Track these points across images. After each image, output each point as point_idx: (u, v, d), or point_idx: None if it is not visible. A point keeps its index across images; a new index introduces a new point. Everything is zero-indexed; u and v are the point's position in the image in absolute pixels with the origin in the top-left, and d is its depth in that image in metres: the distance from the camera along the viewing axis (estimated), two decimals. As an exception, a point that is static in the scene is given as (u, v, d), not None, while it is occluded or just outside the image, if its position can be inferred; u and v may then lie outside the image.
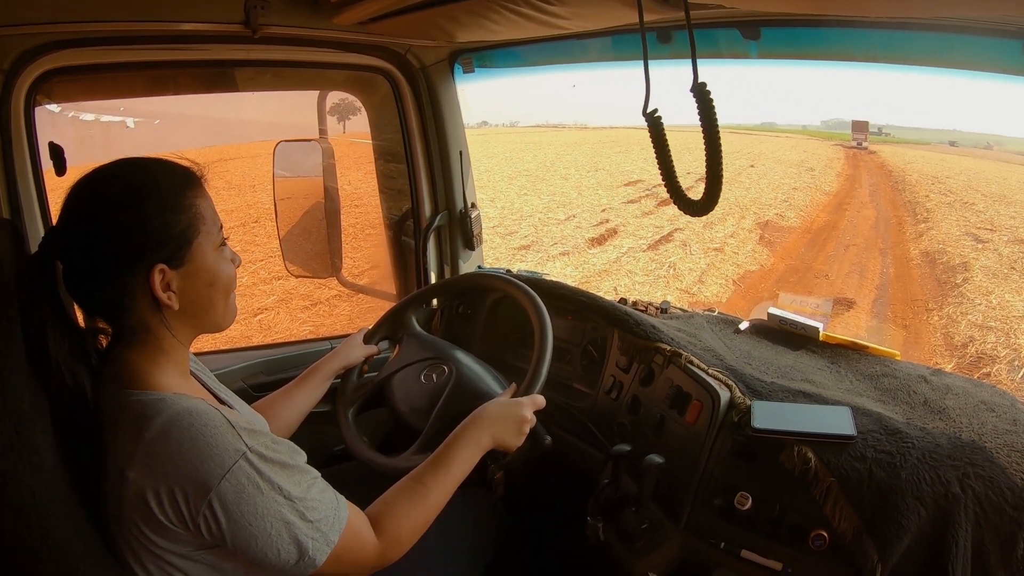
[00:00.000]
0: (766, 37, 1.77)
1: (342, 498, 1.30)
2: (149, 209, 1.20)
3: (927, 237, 14.17)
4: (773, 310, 2.03)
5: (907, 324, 9.61)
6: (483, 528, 1.84)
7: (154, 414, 1.16)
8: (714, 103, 1.24)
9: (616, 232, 14.58)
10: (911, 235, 14.60)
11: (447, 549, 1.66)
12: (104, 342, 1.30)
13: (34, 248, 1.26)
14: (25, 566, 1.06)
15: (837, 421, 1.48)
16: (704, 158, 1.25)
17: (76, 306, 1.28)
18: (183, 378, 1.31)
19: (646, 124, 1.31)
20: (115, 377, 1.23)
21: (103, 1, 1.73)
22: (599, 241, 13.86)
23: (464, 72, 2.49)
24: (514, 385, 1.70)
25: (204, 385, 1.43)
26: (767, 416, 1.54)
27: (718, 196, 1.30)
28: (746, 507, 1.47)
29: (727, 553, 1.49)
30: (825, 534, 1.37)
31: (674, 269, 11.91)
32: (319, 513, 1.23)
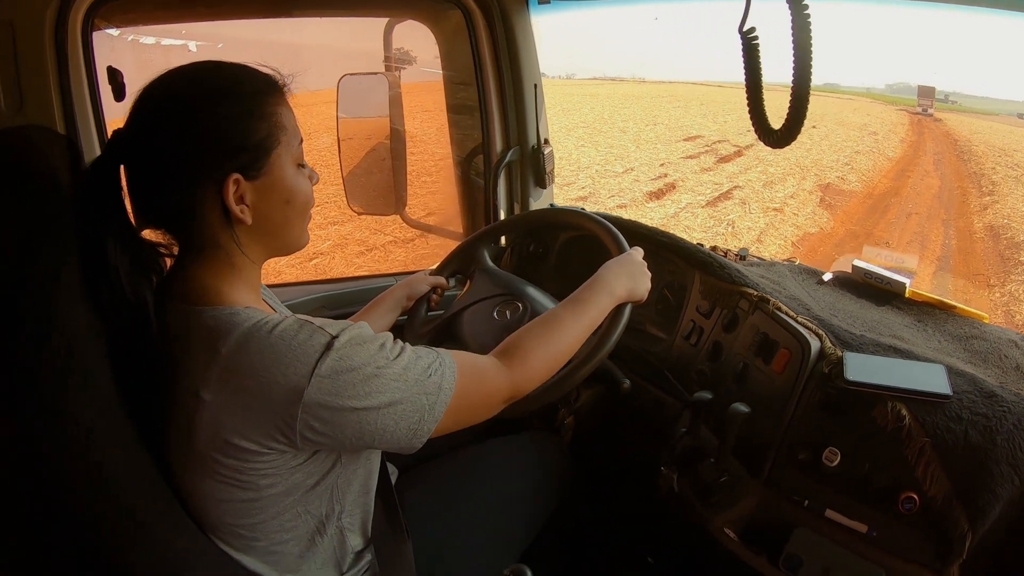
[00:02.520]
0: None
1: (441, 350, 1.23)
2: (227, 112, 1.11)
3: (992, 211, 13.84)
4: (858, 262, 1.94)
5: (968, 299, 9.41)
6: (550, 473, 1.77)
7: (230, 328, 1.08)
8: (811, 21, 1.15)
9: (674, 187, 14.46)
10: (975, 207, 14.29)
11: (512, 492, 1.61)
12: (167, 262, 1.23)
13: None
14: (74, 501, 0.99)
15: (932, 379, 1.40)
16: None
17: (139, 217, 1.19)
18: (254, 296, 1.24)
19: (741, 44, 1.24)
20: (182, 295, 1.16)
21: None
22: (657, 195, 13.76)
23: (540, 3, 2.38)
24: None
25: (273, 310, 1.35)
26: (860, 369, 1.45)
27: (800, 127, 1.25)
28: (834, 464, 1.40)
29: (809, 512, 1.42)
30: (915, 497, 1.29)
31: (732, 227, 11.80)
32: (420, 367, 1.16)
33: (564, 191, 13.48)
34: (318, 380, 1.05)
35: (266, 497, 1.15)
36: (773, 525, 1.47)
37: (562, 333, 1.39)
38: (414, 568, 1.39)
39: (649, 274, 1.60)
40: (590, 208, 2.18)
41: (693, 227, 11.75)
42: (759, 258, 2.13)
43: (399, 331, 1.81)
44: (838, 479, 1.40)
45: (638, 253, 1.61)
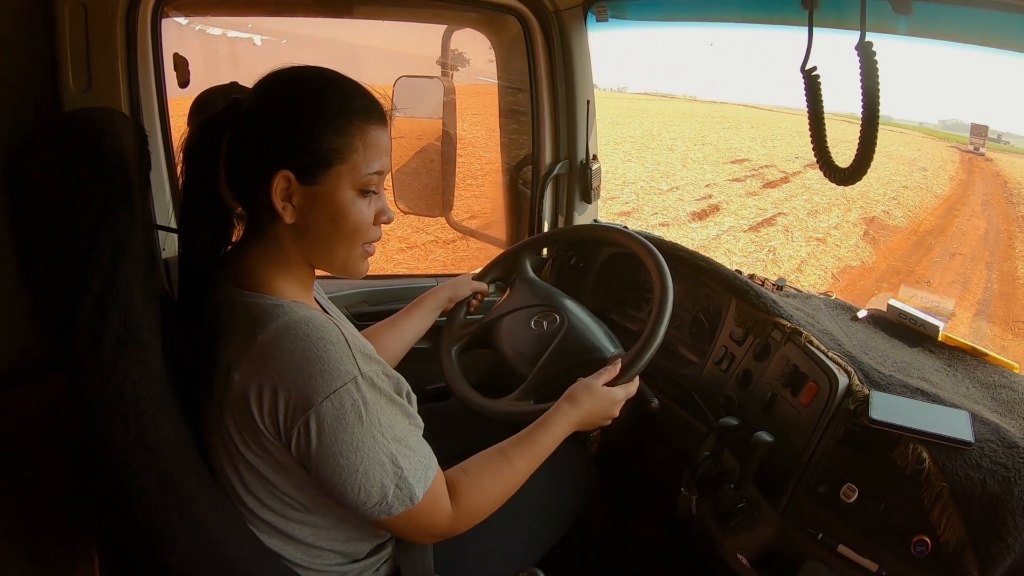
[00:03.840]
0: (918, 12, 1.65)
1: (435, 459, 1.27)
2: (309, 115, 1.17)
3: (1038, 256, 13.51)
4: (894, 302, 1.94)
5: (1005, 345, 9.23)
6: (573, 484, 1.81)
7: (270, 318, 1.14)
8: (878, 66, 1.17)
9: (718, 209, 14.36)
10: (1021, 252, 13.97)
11: (535, 498, 1.61)
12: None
13: (154, 149, 1.23)
14: (119, 461, 1.05)
15: (955, 424, 1.40)
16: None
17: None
18: (303, 291, 1.29)
19: (803, 81, 1.25)
20: (235, 274, 1.23)
21: None
22: (700, 216, 13.67)
23: (597, 21, 2.42)
24: (619, 362, 1.60)
25: (320, 307, 1.40)
26: (885, 408, 1.45)
27: (868, 166, 1.25)
28: (851, 500, 1.42)
29: (823, 545, 1.43)
30: (928, 541, 1.30)
31: (774, 254, 11.68)
32: (411, 463, 1.20)
33: (608, 205, 13.44)
34: (330, 405, 1.10)
35: (285, 483, 1.21)
36: (786, 555, 1.49)
37: (510, 476, 1.39)
38: (432, 565, 1.44)
39: (616, 412, 1.58)
40: (632, 224, 2.21)
41: (734, 251, 11.65)
42: (796, 289, 2.13)
43: (438, 331, 1.84)
44: (854, 516, 1.41)
45: (620, 401, 1.58)
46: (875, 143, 1.21)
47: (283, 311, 1.15)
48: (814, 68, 1.23)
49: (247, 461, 1.18)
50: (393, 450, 1.17)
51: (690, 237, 12.08)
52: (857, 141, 1.24)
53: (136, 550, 1.12)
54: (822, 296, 2.09)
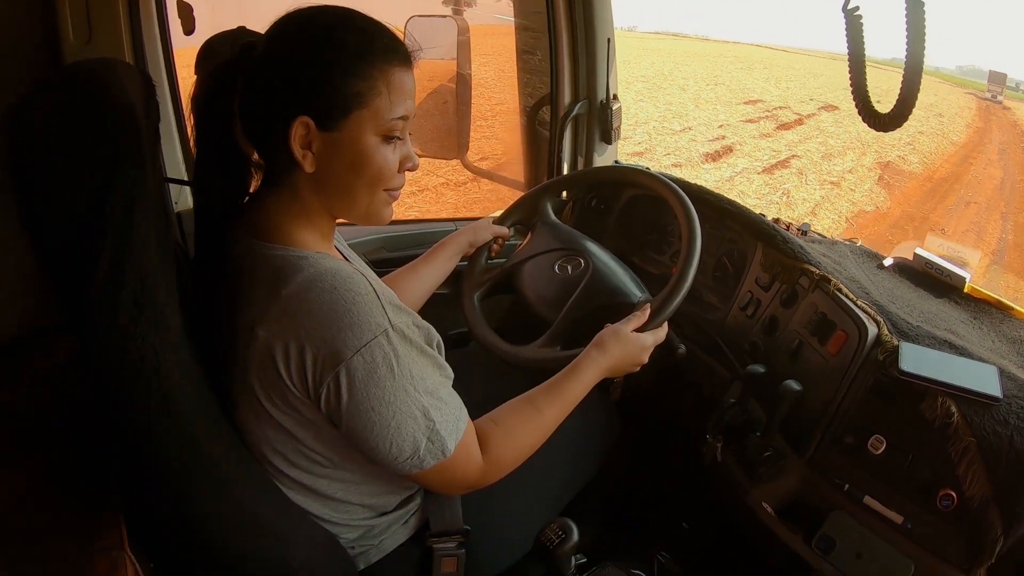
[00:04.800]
0: None
1: (465, 410, 1.26)
2: (328, 59, 1.12)
3: (1056, 208, 13.44)
4: (920, 251, 1.92)
5: (1019, 296, 9.22)
6: (594, 432, 1.80)
7: (294, 271, 1.11)
8: (925, 8, 1.12)
9: (731, 150, 14.28)
10: (1037, 203, 13.91)
11: (558, 448, 1.59)
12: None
13: (161, 100, 1.18)
14: (142, 427, 1.04)
15: (984, 379, 1.39)
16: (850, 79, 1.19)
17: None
18: (324, 241, 1.25)
19: (844, 21, 1.21)
20: (253, 226, 1.19)
21: None
22: (713, 157, 13.60)
23: (618, -45, 2.34)
24: (647, 308, 1.59)
25: (342, 255, 1.37)
26: (915, 360, 1.44)
27: (908, 112, 1.21)
28: (879, 452, 1.42)
29: (848, 496, 1.44)
30: (954, 495, 1.30)
31: (787, 196, 11.65)
32: (442, 415, 1.19)
33: (620, 145, 13.25)
34: (360, 359, 1.08)
35: (312, 439, 1.20)
36: (811, 505, 1.49)
37: (540, 425, 1.39)
38: (460, 516, 1.44)
39: (646, 359, 1.57)
40: (644, 164, 2.16)
41: (747, 192, 11.61)
42: (820, 235, 2.10)
43: (458, 277, 1.82)
44: (881, 467, 1.41)
45: (650, 347, 1.58)
46: (917, 87, 1.17)
47: (307, 263, 1.12)
48: (856, 7, 1.18)
49: (273, 418, 1.16)
50: (425, 403, 1.16)
51: (703, 178, 12.04)
52: (900, 86, 1.19)
53: (163, 514, 1.11)
54: (847, 242, 2.06)
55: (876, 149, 16.16)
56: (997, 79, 31.47)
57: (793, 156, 14.11)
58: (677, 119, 17.08)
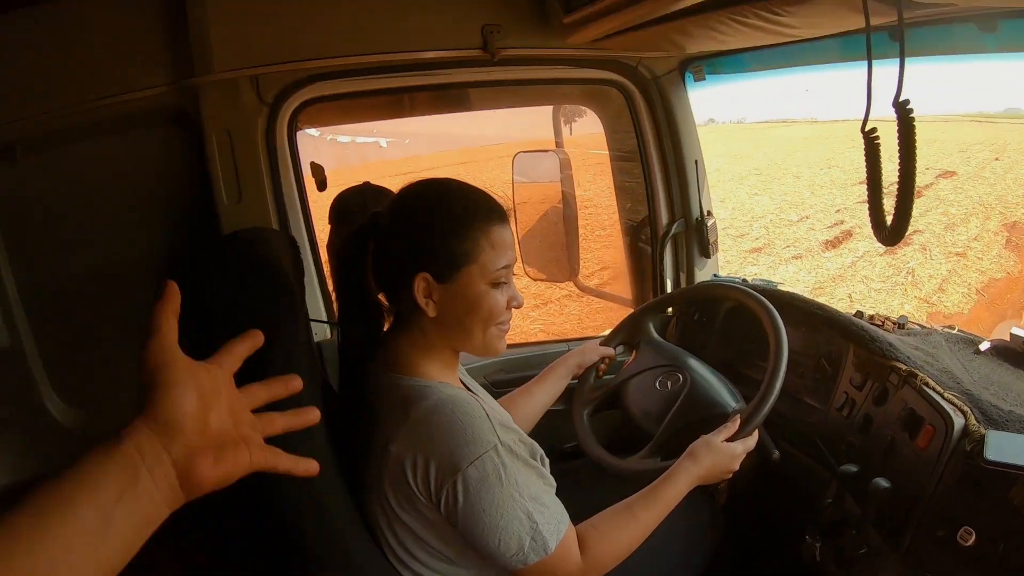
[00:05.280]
0: (1005, 29, 1.66)
1: (567, 515, 1.40)
2: (438, 227, 1.37)
3: None
4: (1016, 330, 1.90)
5: None
6: (702, 534, 1.89)
7: (421, 398, 1.34)
8: (915, 122, 1.21)
9: (851, 234, 13.86)
10: None
11: (666, 549, 1.72)
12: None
13: (302, 250, 1.59)
14: (294, 526, 1.26)
15: None
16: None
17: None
18: (448, 371, 1.48)
19: (863, 136, 1.30)
20: (386, 361, 1.44)
21: (351, 37, 1.99)
22: (833, 244, 13.24)
23: (695, 80, 2.53)
24: (738, 418, 1.68)
25: (463, 383, 1.58)
26: (1001, 447, 1.43)
27: (906, 228, 1.30)
28: (969, 543, 1.38)
29: None
30: None
31: (912, 276, 11.17)
32: (544, 518, 1.34)
33: (737, 243, 13.22)
34: (474, 469, 1.27)
35: (433, 538, 1.39)
36: None
37: (636, 528, 1.51)
38: None
39: (736, 466, 1.65)
40: (764, 260, 2.26)
41: (871, 277, 11.22)
42: (920, 325, 2.10)
43: (570, 394, 1.96)
44: (973, 558, 1.38)
45: (739, 456, 1.66)
46: (912, 204, 1.24)
47: (431, 391, 1.35)
48: (874, 130, 1.27)
49: (401, 520, 1.37)
50: (529, 507, 1.32)
51: (824, 268, 11.72)
52: (896, 196, 1.27)
53: None
54: (944, 330, 2.06)
55: (1000, 210, 15.29)
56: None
57: (915, 231, 13.55)
58: (793, 209, 16.78)
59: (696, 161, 2.57)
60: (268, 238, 1.49)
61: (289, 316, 1.33)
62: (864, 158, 1.33)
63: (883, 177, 1.33)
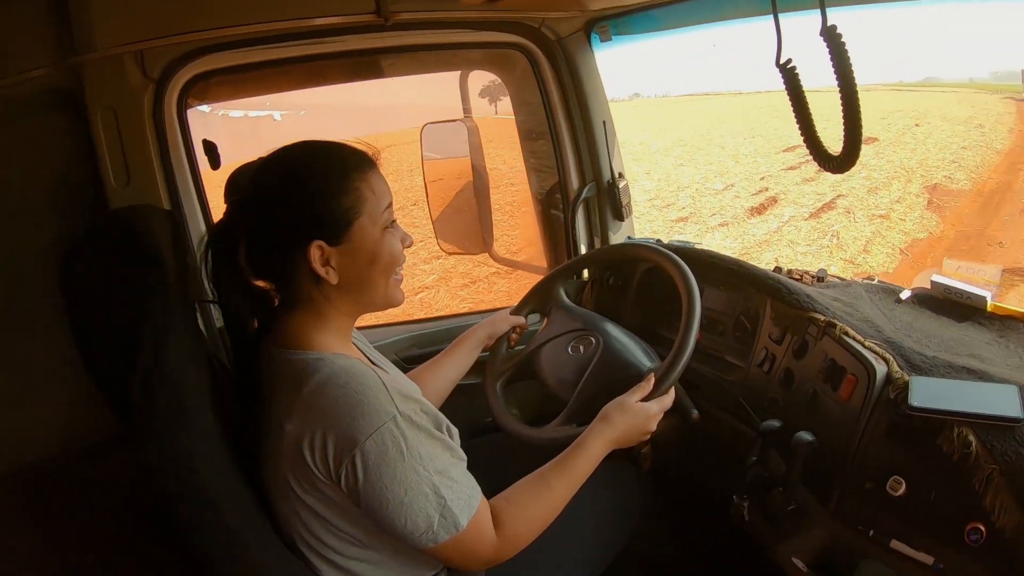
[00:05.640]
0: None
1: (479, 489, 1.33)
2: (310, 192, 1.29)
3: (1117, 197, 13.00)
4: (936, 278, 1.89)
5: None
6: (627, 501, 1.84)
7: (313, 371, 1.25)
8: (847, 47, 1.17)
9: (776, 200, 14.12)
10: (1096, 193, 13.46)
11: (590, 519, 1.68)
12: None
13: (194, 235, 1.49)
14: (186, 523, 1.17)
15: (1003, 401, 1.34)
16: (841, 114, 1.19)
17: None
18: (342, 341, 1.39)
19: (781, 76, 1.26)
20: (278, 339, 1.34)
21: (238, 6, 1.87)
22: (759, 210, 13.46)
23: (602, 41, 2.46)
24: (652, 378, 1.63)
25: (362, 353, 1.50)
26: (926, 394, 1.41)
27: (858, 150, 1.25)
28: (899, 493, 1.38)
29: (875, 542, 1.41)
30: (982, 528, 1.25)
31: (837, 238, 11.43)
32: (454, 493, 1.27)
33: (663, 212, 13.33)
34: (372, 443, 1.19)
35: (341, 520, 1.30)
36: (841, 555, 1.48)
37: (551, 499, 1.44)
38: None
39: (653, 427, 1.60)
40: (691, 228, 2.23)
41: (797, 241, 11.43)
42: (839, 278, 2.08)
43: (482, 367, 1.90)
44: (904, 508, 1.38)
45: (655, 416, 1.61)
46: (860, 126, 1.21)
47: (324, 363, 1.26)
48: (789, 61, 1.24)
49: (305, 503, 1.27)
50: (435, 481, 1.25)
51: (751, 234, 11.91)
52: (842, 121, 1.23)
53: None
54: (863, 282, 2.05)
55: (921, 174, 15.76)
56: (1031, 76, 30.55)
57: (839, 196, 13.88)
58: (719, 178, 16.98)
59: (605, 122, 2.51)
60: (146, 216, 1.40)
61: (159, 295, 1.24)
62: (787, 95, 1.30)
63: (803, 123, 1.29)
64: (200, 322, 1.42)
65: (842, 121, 1.22)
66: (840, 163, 1.28)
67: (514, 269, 4.72)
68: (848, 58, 1.18)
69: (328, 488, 1.25)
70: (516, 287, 8.89)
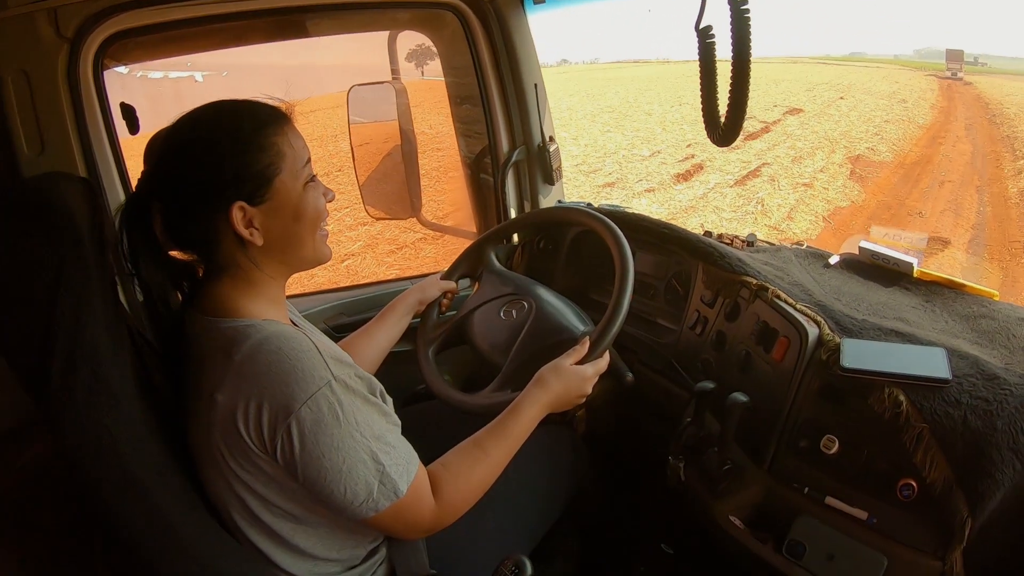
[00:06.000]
0: None
1: (415, 454, 1.30)
2: (225, 151, 1.21)
3: (1027, 174, 13.51)
4: (865, 244, 1.94)
5: (1004, 266, 9.28)
6: (564, 466, 1.83)
7: (243, 338, 1.20)
8: (748, 14, 1.16)
9: (702, 167, 14.34)
10: (1010, 172, 13.99)
11: (526, 485, 1.66)
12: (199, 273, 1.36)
13: (112, 204, 1.40)
14: (109, 506, 1.10)
15: (931, 363, 1.39)
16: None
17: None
18: (274, 307, 1.34)
19: (697, 41, 1.26)
20: (206, 308, 1.28)
21: None
22: (685, 177, 13.66)
23: (535, 3, 2.42)
24: (587, 340, 1.62)
25: (292, 322, 1.44)
26: (857, 355, 1.45)
27: (741, 124, 1.26)
28: (832, 451, 1.43)
29: (810, 499, 1.44)
30: (914, 484, 1.30)
31: (762, 205, 11.69)
32: (391, 459, 1.24)
33: (591, 178, 13.42)
34: (308, 409, 1.15)
35: (276, 496, 1.25)
36: (777, 513, 1.49)
37: (488, 464, 1.42)
38: (426, 561, 1.47)
39: (589, 389, 1.59)
40: (618, 193, 2.22)
41: (722, 207, 11.65)
42: (768, 243, 2.13)
43: (413, 334, 1.87)
44: (838, 466, 1.42)
45: (590, 378, 1.59)
46: (746, 100, 1.22)
47: (255, 330, 1.21)
48: (708, 27, 1.23)
49: (239, 478, 1.22)
50: (373, 447, 1.21)
51: (677, 200, 12.08)
52: (729, 92, 1.24)
53: None
54: (792, 247, 2.09)
55: (844, 145, 16.23)
56: (955, 56, 31.52)
57: (763, 164, 14.17)
58: (645, 144, 17.16)
59: (536, 85, 2.48)
60: (61, 184, 1.31)
61: (76, 265, 1.15)
62: (698, 59, 1.28)
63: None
64: (121, 296, 1.34)
65: (729, 90, 1.23)
66: (722, 136, 1.29)
67: (442, 234, 4.69)
68: (747, 26, 1.17)
69: (263, 462, 1.20)
70: (443, 252, 8.88)
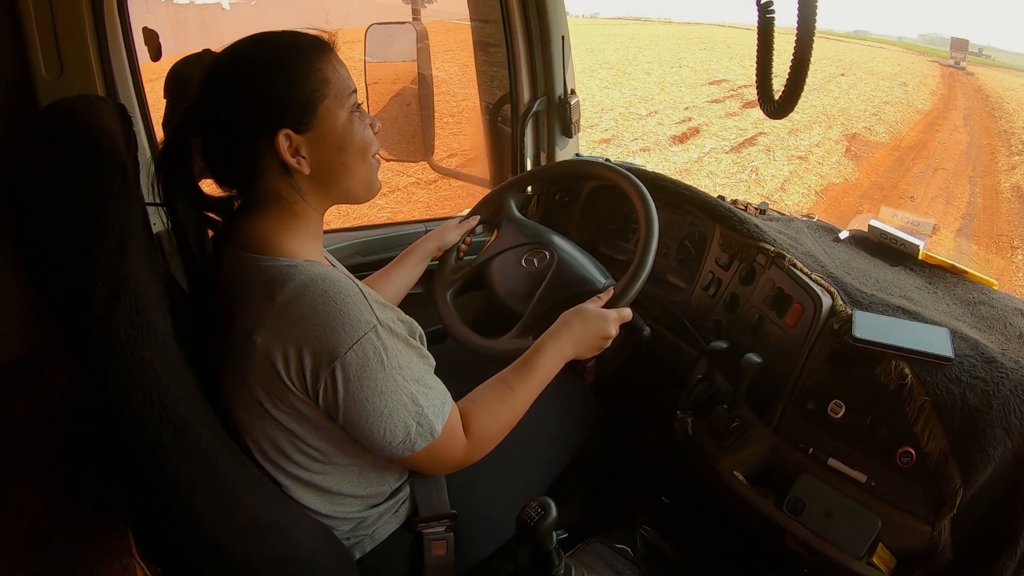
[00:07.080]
0: None
1: (449, 394, 1.33)
2: (268, 78, 1.21)
3: (1020, 170, 13.65)
4: (874, 222, 1.98)
5: (990, 259, 9.36)
6: (572, 415, 1.86)
7: (287, 279, 1.19)
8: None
9: (698, 131, 14.29)
10: (1003, 167, 14.11)
11: (538, 431, 1.68)
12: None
13: (135, 128, 1.31)
14: (145, 436, 1.10)
15: (935, 341, 1.46)
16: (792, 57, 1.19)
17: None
18: (315, 245, 1.34)
19: (757, 14, 1.25)
20: (244, 244, 1.27)
21: None
22: (681, 139, 13.61)
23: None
24: (612, 289, 1.66)
25: (328, 261, 1.45)
26: (868, 327, 1.51)
27: (797, 98, 1.27)
28: (838, 415, 1.49)
29: (814, 459, 1.51)
30: (913, 452, 1.37)
31: (756, 174, 11.69)
32: (429, 400, 1.27)
33: (587, 133, 13.28)
34: (354, 354, 1.17)
35: (310, 435, 1.27)
36: (780, 470, 1.56)
37: (515, 402, 1.46)
38: (447, 501, 1.51)
39: (614, 333, 1.61)
40: (613, 151, 2.22)
41: (716, 172, 11.64)
42: (779, 212, 2.16)
43: (431, 277, 1.87)
44: (842, 430, 1.48)
45: (615, 321, 1.61)
46: (805, 72, 1.21)
47: (298, 271, 1.20)
48: (770, 2, 1.23)
49: (274, 418, 1.24)
50: (413, 390, 1.24)
51: (671, 161, 12.05)
52: (790, 66, 1.23)
53: (169, 519, 1.17)
54: (804, 218, 2.12)
55: (842, 122, 16.22)
56: (959, 46, 31.51)
57: (760, 133, 14.14)
58: (643, 104, 17.06)
59: (563, 37, 2.47)
60: (95, 106, 1.27)
61: (121, 193, 1.12)
62: (756, 33, 1.28)
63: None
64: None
65: (790, 68, 1.22)
66: (777, 109, 1.30)
67: (437, 180, 4.67)
68: (813, 10, 1.16)
69: (302, 404, 1.22)
70: (435, 198, 8.83)
